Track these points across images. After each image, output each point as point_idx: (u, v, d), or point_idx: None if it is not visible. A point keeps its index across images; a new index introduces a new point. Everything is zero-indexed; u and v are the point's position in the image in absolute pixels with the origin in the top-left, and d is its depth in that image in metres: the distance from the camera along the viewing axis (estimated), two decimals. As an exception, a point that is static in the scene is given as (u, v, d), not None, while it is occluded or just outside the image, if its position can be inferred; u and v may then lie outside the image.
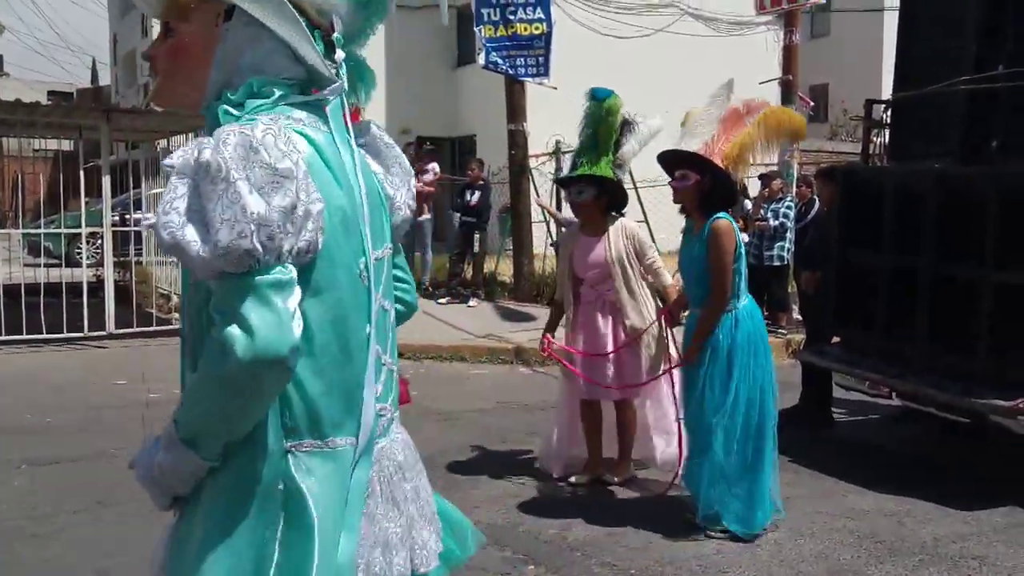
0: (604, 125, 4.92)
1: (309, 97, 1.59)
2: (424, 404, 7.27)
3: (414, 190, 1.89)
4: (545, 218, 11.81)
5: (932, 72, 5.85)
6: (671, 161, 4.49)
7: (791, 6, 11.46)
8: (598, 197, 4.96)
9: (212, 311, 1.43)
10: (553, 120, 10.70)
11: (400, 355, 6.15)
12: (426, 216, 12.20)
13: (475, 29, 10.72)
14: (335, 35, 1.64)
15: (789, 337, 9.51)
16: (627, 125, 5.04)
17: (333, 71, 1.62)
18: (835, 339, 6.52)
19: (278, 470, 1.51)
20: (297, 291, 1.45)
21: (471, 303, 11.49)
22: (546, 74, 10.72)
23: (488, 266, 12.65)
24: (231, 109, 1.53)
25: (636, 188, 12.34)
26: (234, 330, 1.38)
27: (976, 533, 4.48)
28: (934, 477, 5.34)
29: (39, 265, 12.04)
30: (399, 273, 1.91)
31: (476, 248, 11.95)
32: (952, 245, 5.32)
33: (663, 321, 4.94)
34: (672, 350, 4.92)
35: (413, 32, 19.37)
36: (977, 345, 5.08)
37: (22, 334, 9.35)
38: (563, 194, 5.08)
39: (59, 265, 10.64)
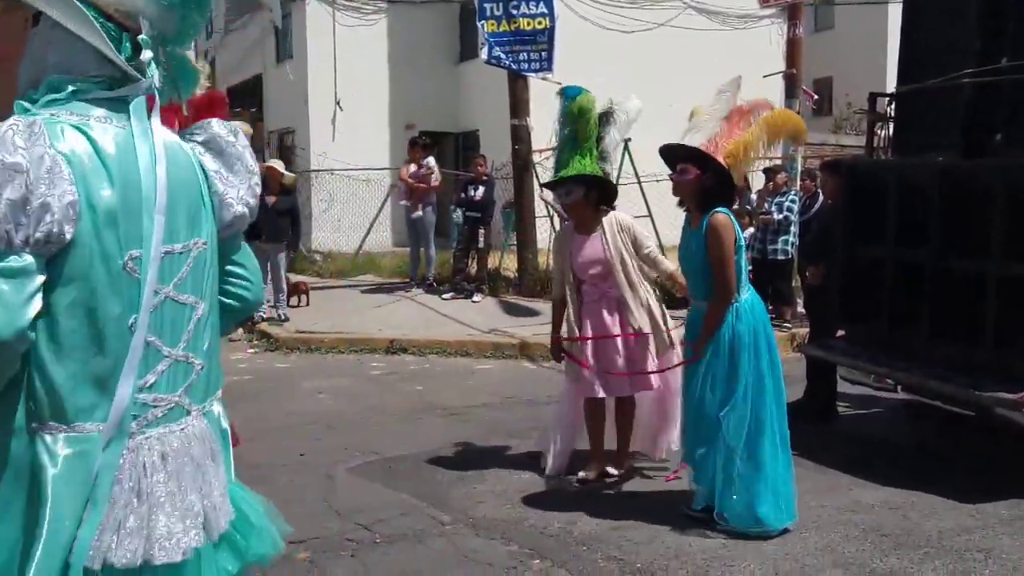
0: (581, 122, 4.91)
1: (101, 94, 1.69)
2: (429, 399, 7.29)
3: (257, 188, 1.97)
4: (549, 213, 11.81)
5: (936, 65, 5.84)
6: (672, 155, 4.50)
7: (795, -1, 11.45)
8: (587, 195, 4.94)
9: None
10: (556, 115, 10.69)
11: (404, 351, 6.28)
12: (417, 213, 12.15)
13: (478, 24, 10.73)
14: (141, 36, 1.72)
15: (794, 331, 9.50)
16: (605, 116, 5.03)
17: (136, 71, 1.71)
18: (840, 333, 6.53)
19: (25, 449, 1.60)
20: (36, 279, 1.54)
21: (476, 298, 11.49)
22: (549, 68, 10.72)
23: (492, 261, 12.64)
24: (26, 104, 1.65)
25: (640, 182, 12.37)
26: None
27: (981, 526, 4.48)
28: (939, 470, 5.34)
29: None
30: (237, 269, 2.00)
31: (480, 243, 11.94)
32: (957, 238, 5.32)
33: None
34: (674, 344, 4.94)
35: (416, 27, 19.37)
36: (982, 338, 5.08)
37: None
38: (551, 196, 5.05)
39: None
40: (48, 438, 1.61)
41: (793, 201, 9.81)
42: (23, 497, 1.60)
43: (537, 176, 12.10)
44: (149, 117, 1.73)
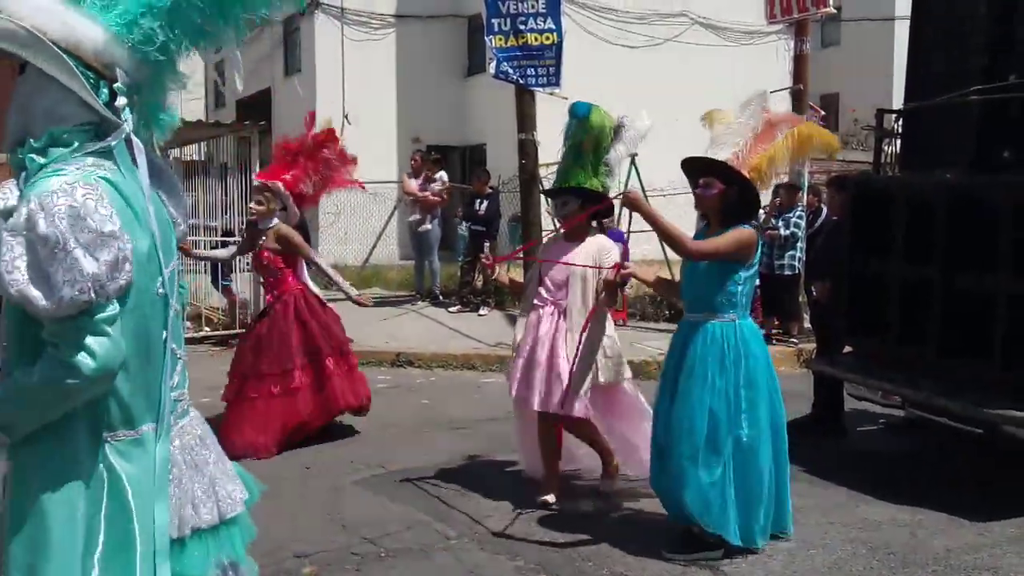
0: (588, 137, 4.89)
1: (98, 146, 1.87)
2: (435, 413, 7.29)
3: (186, 202, 2.23)
4: (555, 227, 11.82)
5: (943, 82, 5.84)
6: (696, 168, 4.43)
7: (802, 16, 11.47)
8: (582, 208, 4.95)
9: (51, 339, 1.78)
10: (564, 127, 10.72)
11: (411, 364, 6.34)
12: (426, 226, 12.21)
13: (486, 39, 10.76)
14: (117, 85, 1.89)
15: (800, 346, 9.49)
16: (615, 131, 5.02)
17: (115, 116, 1.89)
18: (847, 348, 6.51)
19: (98, 457, 1.88)
20: (119, 320, 1.83)
21: (482, 312, 11.50)
22: (557, 84, 10.74)
23: (501, 272, 12.64)
24: (36, 156, 1.84)
25: (646, 196, 12.35)
26: (83, 357, 1.76)
27: (989, 544, 4.46)
28: (946, 488, 5.32)
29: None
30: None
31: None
32: (964, 255, 5.30)
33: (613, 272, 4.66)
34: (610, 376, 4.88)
35: (424, 42, 19.45)
36: (990, 355, 5.06)
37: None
38: (549, 206, 5.07)
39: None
40: (119, 444, 1.90)
41: (800, 217, 9.82)
42: (94, 499, 1.86)
43: (544, 190, 12.13)
44: (131, 159, 1.92)
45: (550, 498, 4.96)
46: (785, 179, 10.70)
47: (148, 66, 1.94)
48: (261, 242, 6.18)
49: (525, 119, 11.43)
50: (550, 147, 12.96)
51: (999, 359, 5.01)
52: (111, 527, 1.86)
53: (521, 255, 4.85)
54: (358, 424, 6.60)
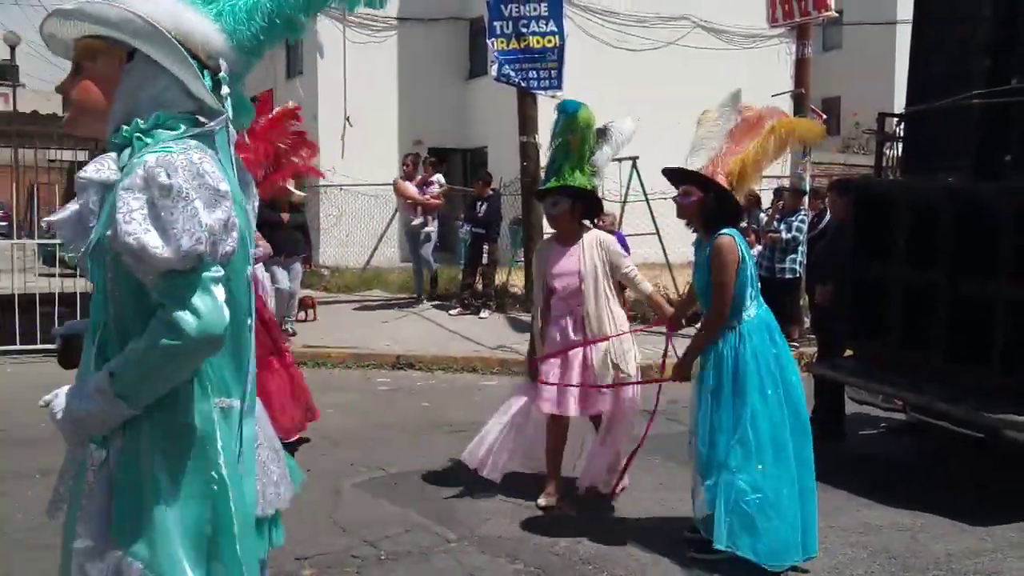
0: (576, 136, 4.90)
1: (203, 129, 1.91)
2: (436, 415, 7.28)
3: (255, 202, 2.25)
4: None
5: (945, 86, 5.84)
6: (675, 177, 4.48)
7: (803, 19, 11.45)
8: (572, 208, 4.95)
9: (161, 299, 1.79)
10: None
11: (411, 366, 6.36)
12: (429, 228, 12.25)
13: (487, 42, 10.78)
14: (221, 74, 1.97)
15: (802, 350, 9.48)
16: (601, 133, 5.03)
17: (219, 104, 1.95)
18: (848, 352, 6.51)
19: (199, 422, 1.90)
20: (222, 284, 1.84)
21: (483, 314, 11.50)
22: (559, 87, 10.75)
23: (500, 277, 12.67)
24: (143, 137, 1.87)
25: (648, 200, 12.38)
26: (186, 314, 1.77)
27: (990, 549, 4.45)
28: (948, 492, 5.31)
29: (54, 275, 12.11)
30: None
31: (486, 259, 11.97)
32: (966, 259, 5.30)
33: (666, 333, 4.82)
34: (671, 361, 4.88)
35: (426, 44, 19.47)
36: (991, 359, 5.06)
37: (36, 343, 9.40)
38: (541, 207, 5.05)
39: (74, 275, 10.70)
40: (215, 412, 1.93)
41: (803, 220, 9.81)
42: (192, 468, 1.89)
43: (534, 193, 12.16)
44: (229, 146, 1.99)
45: (549, 501, 4.95)
46: (786, 182, 10.71)
47: (243, 57, 2.01)
48: None
49: (527, 122, 11.45)
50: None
51: (999, 364, 5.01)
52: (204, 495, 1.89)
53: (521, 259, 4.85)
54: (358, 427, 6.59)
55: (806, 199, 10.31)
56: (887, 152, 6.66)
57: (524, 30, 10.63)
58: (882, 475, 5.72)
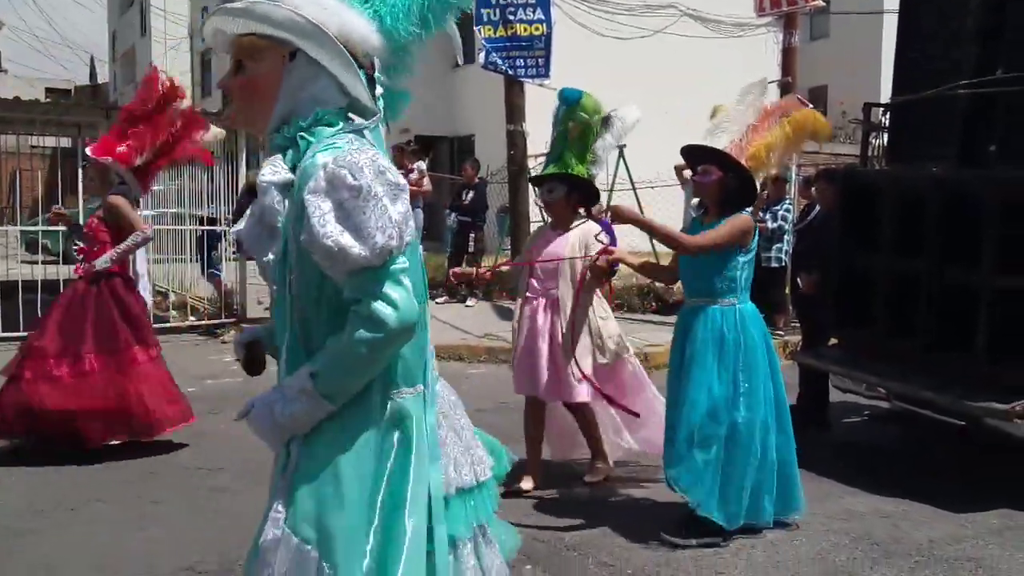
0: (576, 124, 4.89)
1: (360, 125, 1.97)
2: (422, 403, 7.26)
3: None
4: (543, 218, 11.81)
5: (931, 75, 5.85)
6: (695, 155, 4.46)
7: (791, 8, 11.48)
8: (568, 195, 4.95)
9: (355, 295, 1.85)
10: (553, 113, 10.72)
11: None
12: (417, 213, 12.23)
13: (475, 29, 10.72)
14: (376, 73, 2.04)
15: (786, 338, 9.52)
16: (604, 121, 5.02)
17: (374, 103, 2.01)
18: (832, 341, 6.54)
19: (385, 414, 1.95)
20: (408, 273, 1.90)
21: (469, 303, 11.49)
22: (546, 75, 10.72)
23: (486, 265, 12.65)
24: (306, 135, 1.94)
25: (635, 189, 12.39)
26: (384, 307, 1.83)
27: (972, 536, 4.49)
28: (930, 479, 5.35)
29: (36, 262, 12.03)
30: None
31: (472, 247, 11.96)
32: (951, 248, 5.33)
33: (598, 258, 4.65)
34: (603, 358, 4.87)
35: (413, 31, 19.38)
36: (975, 348, 5.09)
37: (19, 331, 9.34)
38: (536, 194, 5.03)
39: (57, 262, 10.63)
40: (400, 400, 1.98)
41: (788, 210, 9.85)
42: (377, 457, 1.93)
43: (530, 178, 12.13)
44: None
45: (528, 485, 4.97)
46: (774, 171, 10.72)
47: (396, 54, 2.09)
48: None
49: (514, 110, 11.42)
50: (539, 138, 12.99)
51: (984, 353, 5.04)
52: (391, 483, 1.92)
53: (507, 262, 4.84)
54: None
55: (791, 188, 10.35)
56: (872, 142, 6.68)
57: (511, 18, 10.59)
58: (865, 462, 5.76)
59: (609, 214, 4.53)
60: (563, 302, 4.84)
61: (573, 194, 4.94)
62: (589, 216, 5.03)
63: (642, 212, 12.27)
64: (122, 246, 5.64)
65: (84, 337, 5.51)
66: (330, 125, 1.94)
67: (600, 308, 4.97)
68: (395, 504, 1.91)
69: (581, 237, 4.88)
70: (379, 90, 2.04)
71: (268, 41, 1.97)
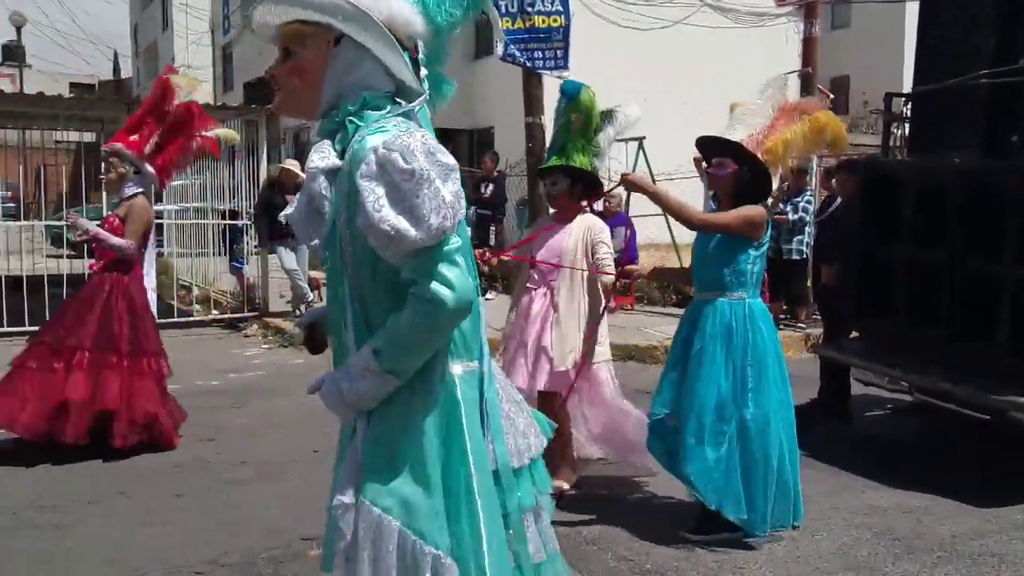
0: (576, 116, 4.89)
1: (408, 107, 2.00)
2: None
3: None
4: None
5: (953, 65, 5.79)
6: (710, 147, 4.43)
7: (811, -2, 11.37)
8: (571, 187, 4.95)
9: (412, 276, 1.88)
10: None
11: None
12: None
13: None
14: (420, 56, 2.07)
15: (808, 331, 9.47)
16: (607, 115, 5.02)
17: (419, 85, 2.04)
18: (854, 334, 6.49)
19: (446, 387, 2.00)
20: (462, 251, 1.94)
21: (489, 296, 11.49)
22: (565, 67, 10.68)
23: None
24: (354, 119, 1.96)
25: (654, 180, 12.33)
26: (441, 287, 1.87)
27: (995, 531, 4.45)
28: (952, 474, 5.31)
29: (61, 256, 12.15)
30: None
31: (492, 240, 11.96)
32: (973, 239, 5.28)
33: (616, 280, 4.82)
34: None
35: (431, 24, 19.37)
36: (998, 341, 5.04)
37: (44, 325, 9.43)
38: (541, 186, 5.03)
39: (81, 256, 10.73)
40: (462, 371, 2.03)
41: (809, 201, 9.78)
42: (439, 429, 1.97)
43: (536, 171, 12.13)
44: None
45: (564, 484, 4.98)
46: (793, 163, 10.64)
47: (438, 37, 2.11)
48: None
49: (532, 102, 11.39)
50: (557, 130, 12.92)
51: (1006, 345, 4.99)
52: (459, 453, 1.98)
53: (511, 252, 4.83)
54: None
55: (811, 179, 10.27)
56: (894, 132, 6.62)
57: (529, 9, 10.56)
58: (887, 456, 5.72)
59: (622, 197, 4.55)
60: (560, 293, 4.85)
61: (576, 186, 4.94)
62: (591, 209, 5.05)
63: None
64: (113, 239, 5.65)
65: (84, 333, 5.53)
66: (377, 108, 1.98)
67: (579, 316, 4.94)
68: (465, 473, 1.97)
69: (583, 229, 4.90)
70: (423, 72, 2.07)
71: (313, 27, 1.99)
